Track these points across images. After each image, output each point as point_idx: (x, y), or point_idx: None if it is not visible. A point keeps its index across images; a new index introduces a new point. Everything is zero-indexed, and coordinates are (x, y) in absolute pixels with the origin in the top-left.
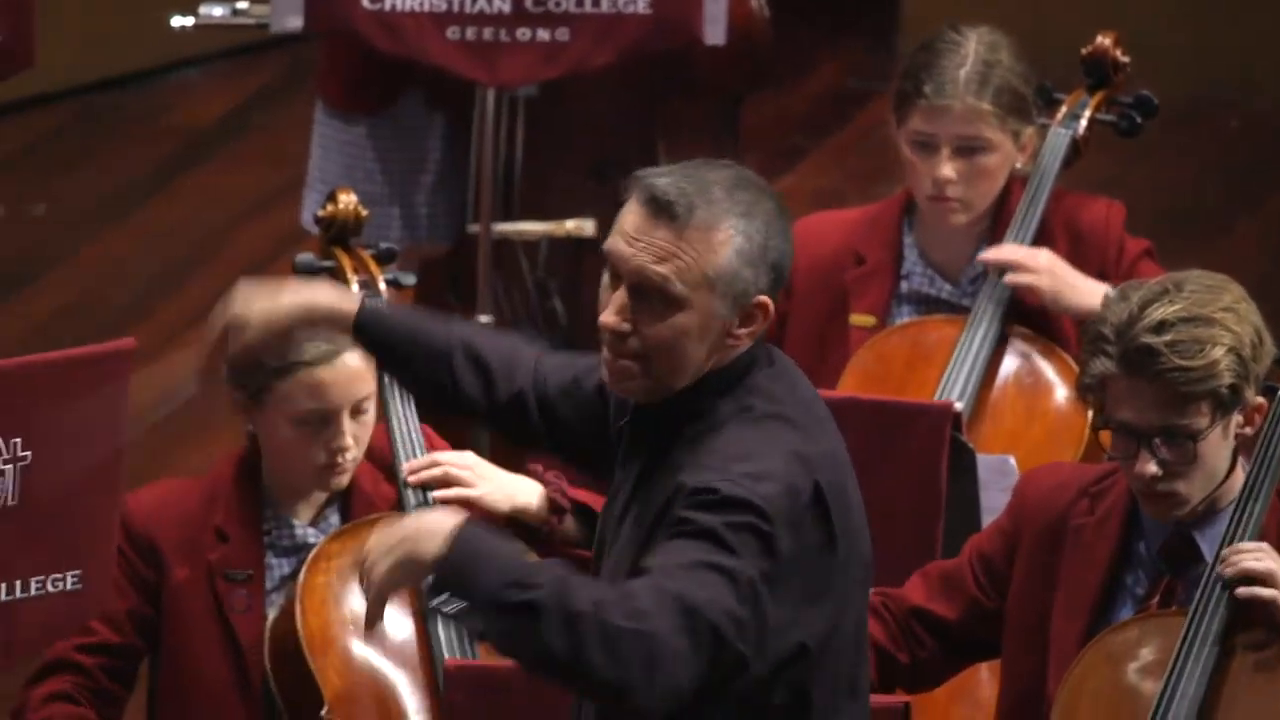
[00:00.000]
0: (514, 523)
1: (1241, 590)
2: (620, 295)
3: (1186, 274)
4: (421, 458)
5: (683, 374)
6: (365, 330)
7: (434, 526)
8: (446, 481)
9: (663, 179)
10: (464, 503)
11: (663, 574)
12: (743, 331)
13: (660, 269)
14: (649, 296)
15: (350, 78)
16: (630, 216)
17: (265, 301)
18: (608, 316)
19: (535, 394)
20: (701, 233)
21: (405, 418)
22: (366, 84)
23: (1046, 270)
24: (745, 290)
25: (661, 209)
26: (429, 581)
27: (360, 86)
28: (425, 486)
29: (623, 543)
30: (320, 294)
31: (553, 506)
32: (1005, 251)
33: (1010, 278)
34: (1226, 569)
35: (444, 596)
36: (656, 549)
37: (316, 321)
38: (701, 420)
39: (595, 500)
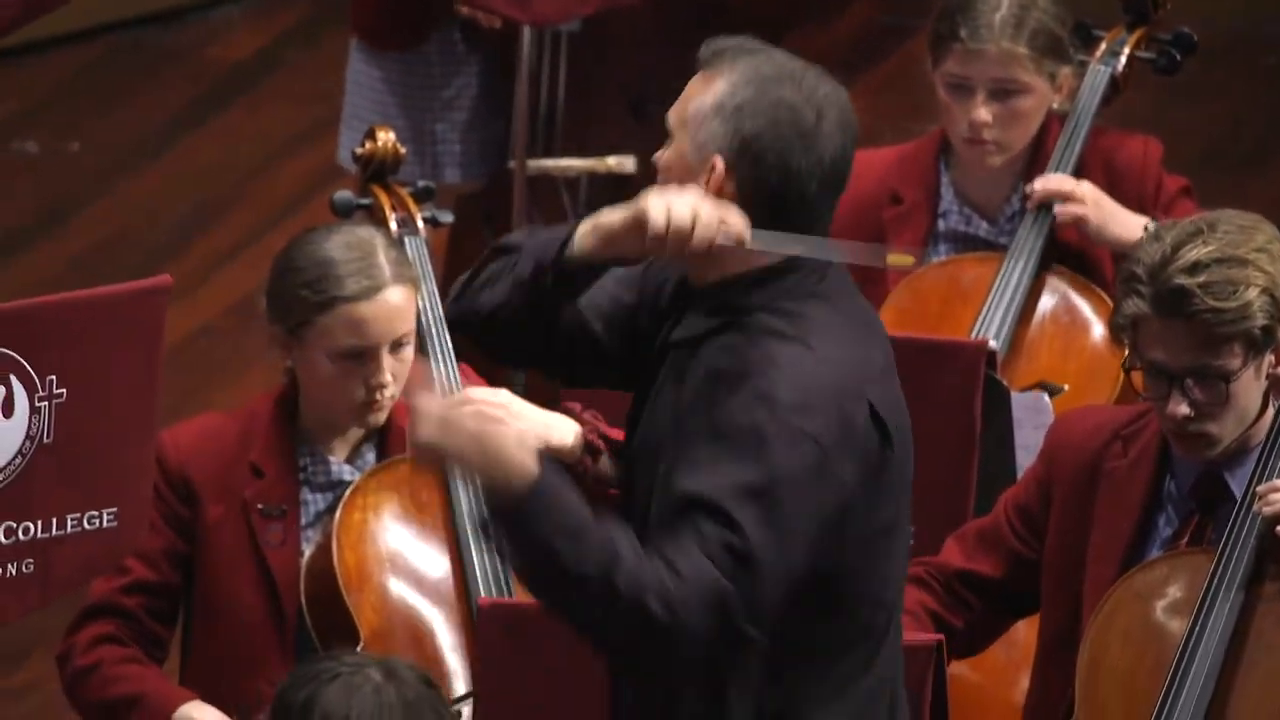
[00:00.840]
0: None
1: None
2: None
3: (1219, 214)
4: (455, 396)
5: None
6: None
7: (525, 449)
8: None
9: (738, 41)
10: None
11: (697, 548)
12: (706, 189)
13: (678, 100)
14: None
15: (384, 14)
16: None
17: None
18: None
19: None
20: (705, 76)
21: (444, 356)
22: (401, 20)
23: (1092, 201)
24: (706, 141)
25: (704, 55)
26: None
27: (394, 23)
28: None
29: (657, 419)
30: None
31: (588, 446)
32: (1053, 182)
33: (1060, 209)
34: (1265, 508)
35: (494, 526)
36: (687, 469)
37: None
38: (736, 316)
39: None
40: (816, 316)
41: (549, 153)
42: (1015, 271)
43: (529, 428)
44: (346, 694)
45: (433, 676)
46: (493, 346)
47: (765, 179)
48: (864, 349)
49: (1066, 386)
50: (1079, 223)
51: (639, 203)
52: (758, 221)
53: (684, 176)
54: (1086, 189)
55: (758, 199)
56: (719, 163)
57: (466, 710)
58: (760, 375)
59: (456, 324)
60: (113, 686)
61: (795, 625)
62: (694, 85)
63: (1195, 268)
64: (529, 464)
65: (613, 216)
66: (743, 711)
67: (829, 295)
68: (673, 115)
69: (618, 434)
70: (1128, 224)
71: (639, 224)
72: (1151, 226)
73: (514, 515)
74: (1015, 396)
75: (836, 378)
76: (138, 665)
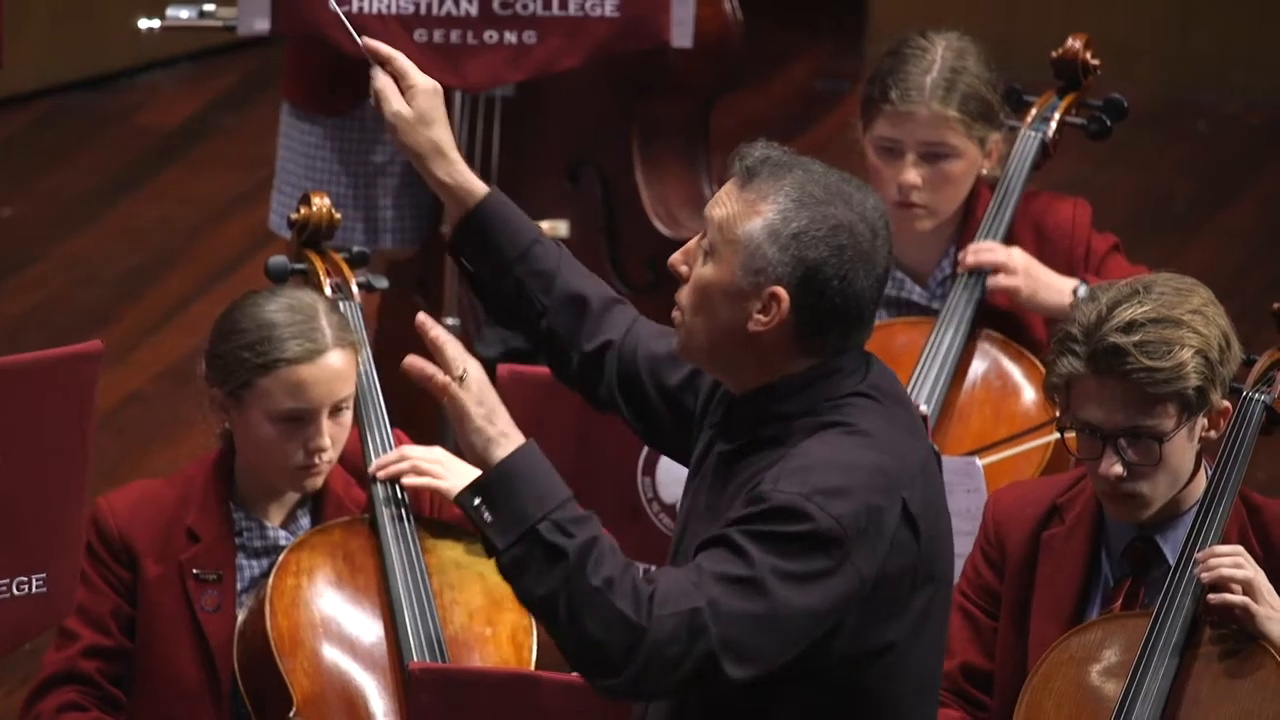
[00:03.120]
0: None
1: (1214, 596)
2: (692, 241)
3: (1155, 276)
4: (390, 453)
5: (710, 335)
6: (484, 213)
7: (510, 432)
8: (416, 474)
9: (769, 151)
10: (432, 495)
11: (695, 574)
12: (762, 319)
13: (712, 213)
14: (702, 243)
15: (316, 80)
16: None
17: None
18: (675, 254)
19: (622, 351)
20: (751, 197)
21: (379, 421)
22: (332, 86)
23: (1023, 270)
24: (763, 269)
25: (738, 168)
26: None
27: (326, 88)
28: (394, 480)
29: (695, 520)
30: (460, 164)
31: None
32: (984, 253)
33: (991, 280)
34: (1203, 573)
35: (479, 500)
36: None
37: (446, 177)
38: (778, 426)
39: None
40: (865, 410)
41: None
42: (946, 336)
43: (464, 483)
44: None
45: None
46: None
47: (830, 303)
48: (905, 445)
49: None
50: (1011, 293)
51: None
52: (819, 338)
53: (732, 299)
54: (1018, 257)
55: (821, 321)
56: (782, 294)
57: None
58: (802, 454)
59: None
60: None
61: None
62: (736, 202)
63: (1131, 327)
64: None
65: None
66: None
67: (872, 392)
68: (716, 229)
69: None
70: (1059, 290)
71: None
72: (1082, 290)
73: (499, 471)
74: (946, 461)
75: (873, 468)
76: (125, 652)
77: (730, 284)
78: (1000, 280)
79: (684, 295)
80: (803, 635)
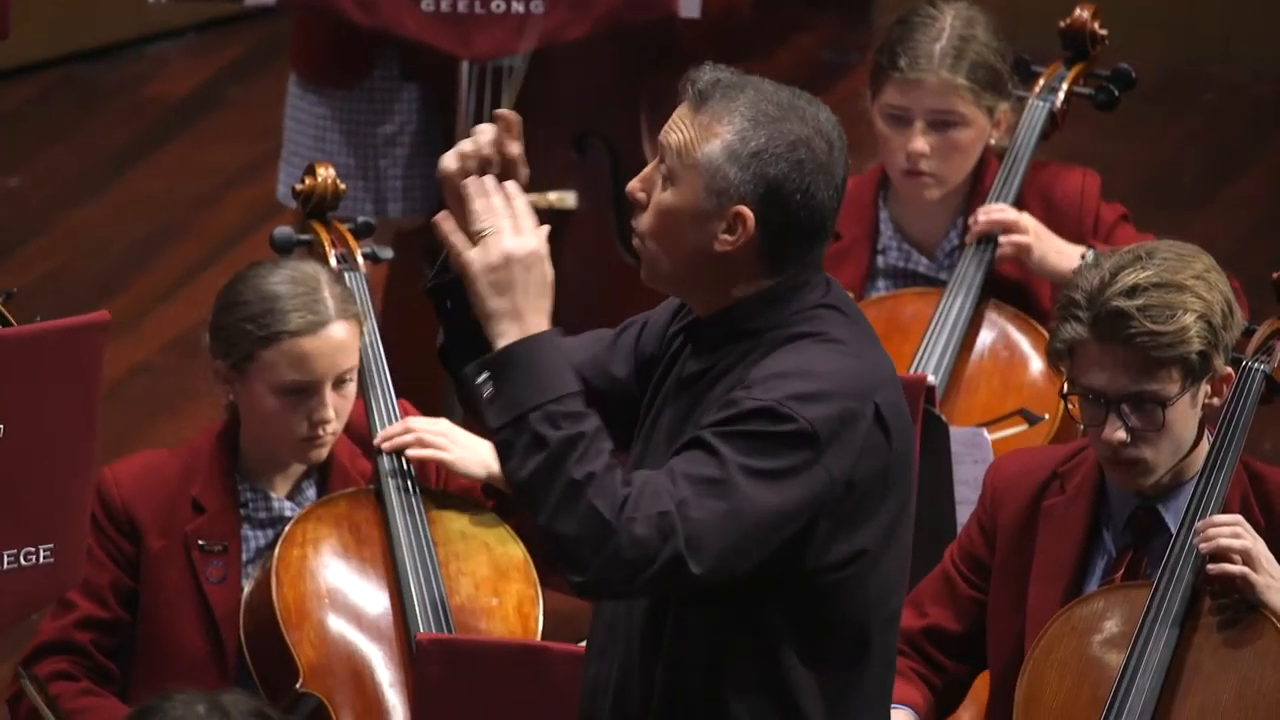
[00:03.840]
0: (488, 488)
1: (1213, 566)
2: (649, 167)
3: (1157, 243)
4: (395, 424)
5: (674, 259)
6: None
7: (528, 315)
8: (421, 446)
9: (718, 73)
10: (438, 466)
11: (669, 476)
12: (728, 238)
13: (668, 139)
14: (660, 169)
15: (323, 51)
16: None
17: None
18: (633, 181)
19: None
20: (706, 119)
21: (384, 391)
22: (340, 57)
23: (1034, 233)
24: (725, 189)
25: (690, 92)
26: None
27: (333, 60)
28: (399, 452)
29: (654, 445)
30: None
31: None
32: (995, 213)
33: (1003, 239)
34: (1202, 543)
35: (484, 376)
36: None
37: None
38: (747, 342)
39: None
40: (832, 320)
41: None
42: (954, 306)
43: (469, 454)
44: None
45: (270, 709)
46: None
47: (794, 217)
48: (876, 353)
49: (1046, 415)
50: (1022, 253)
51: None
52: (784, 253)
53: (696, 221)
54: (1028, 220)
55: (785, 236)
56: (746, 213)
57: None
58: (776, 362)
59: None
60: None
61: (800, 631)
62: (691, 126)
63: (1134, 291)
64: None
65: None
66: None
67: (838, 305)
68: (674, 155)
69: None
70: (1068, 255)
71: (450, 185)
72: (1090, 255)
73: (505, 354)
74: (954, 432)
75: (847, 373)
76: (94, 697)
77: (694, 207)
78: (1013, 238)
79: (644, 222)
80: (771, 533)
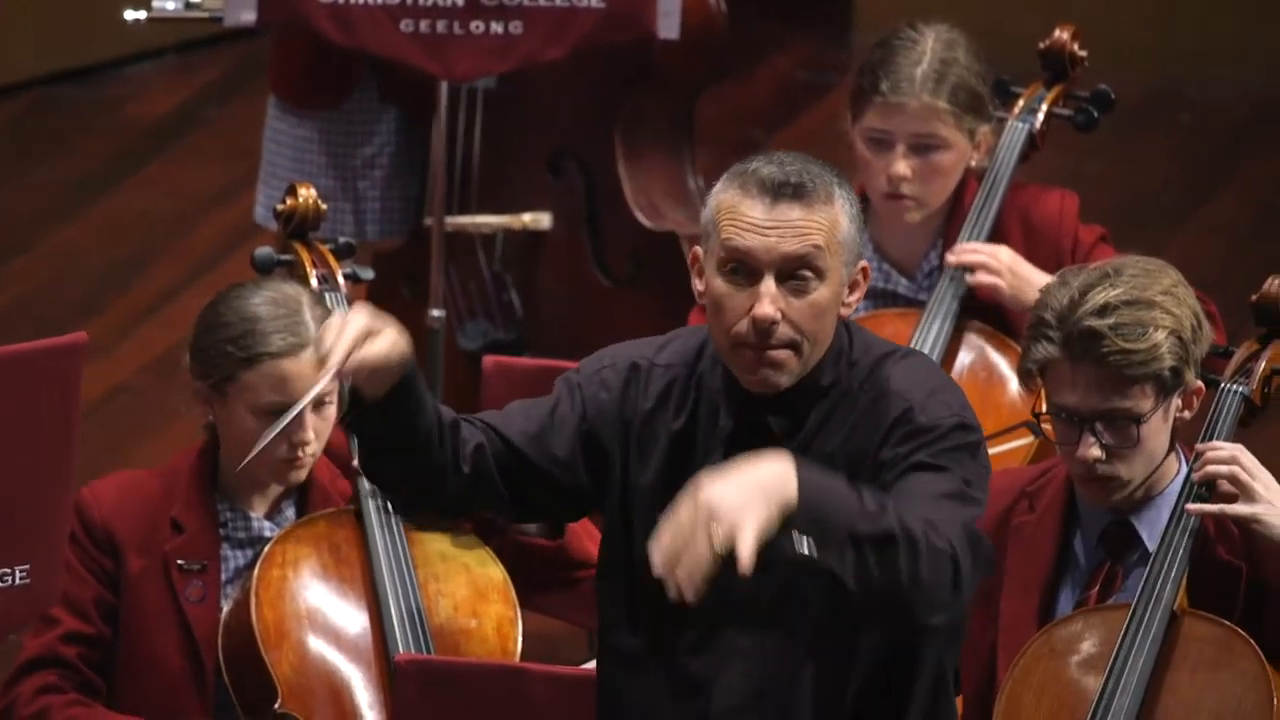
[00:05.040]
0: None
1: (1199, 475)
2: (768, 286)
3: (1124, 259)
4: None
5: (823, 349)
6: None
7: (781, 472)
8: None
9: (764, 169)
10: None
11: (930, 502)
12: (851, 299)
13: (808, 244)
14: (798, 277)
15: (303, 72)
16: (751, 209)
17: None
18: (768, 309)
19: (495, 449)
20: (825, 204)
21: None
22: (319, 79)
23: (1008, 269)
24: (857, 254)
25: (785, 191)
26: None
27: (313, 82)
28: None
29: None
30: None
31: None
32: (967, 254)
33: (973, 278)
34: (1195, 472)
35: (801, 539)
36: (895, 490)
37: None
38: (833, 392)
39: None
40: (874, 336)
41: (464, 209)
42: (933, 328)
43: None
44: None
45: None
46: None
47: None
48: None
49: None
50: (995, 292)
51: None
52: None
53: (838, 299)
54: (1003, 255)
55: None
56: (866, 265)
57: None
58: (909, 379)
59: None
60: None
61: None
62: (818, 218)
63: (1105, 310)
64: (788, 469)
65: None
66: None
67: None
68: (822, 255)
69: None
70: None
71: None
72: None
73: (805, 509)
74: None
75: (950, 379)
76: (84, 708)
77: (838, 287)
78: (982, 279)
79: (800, 327)
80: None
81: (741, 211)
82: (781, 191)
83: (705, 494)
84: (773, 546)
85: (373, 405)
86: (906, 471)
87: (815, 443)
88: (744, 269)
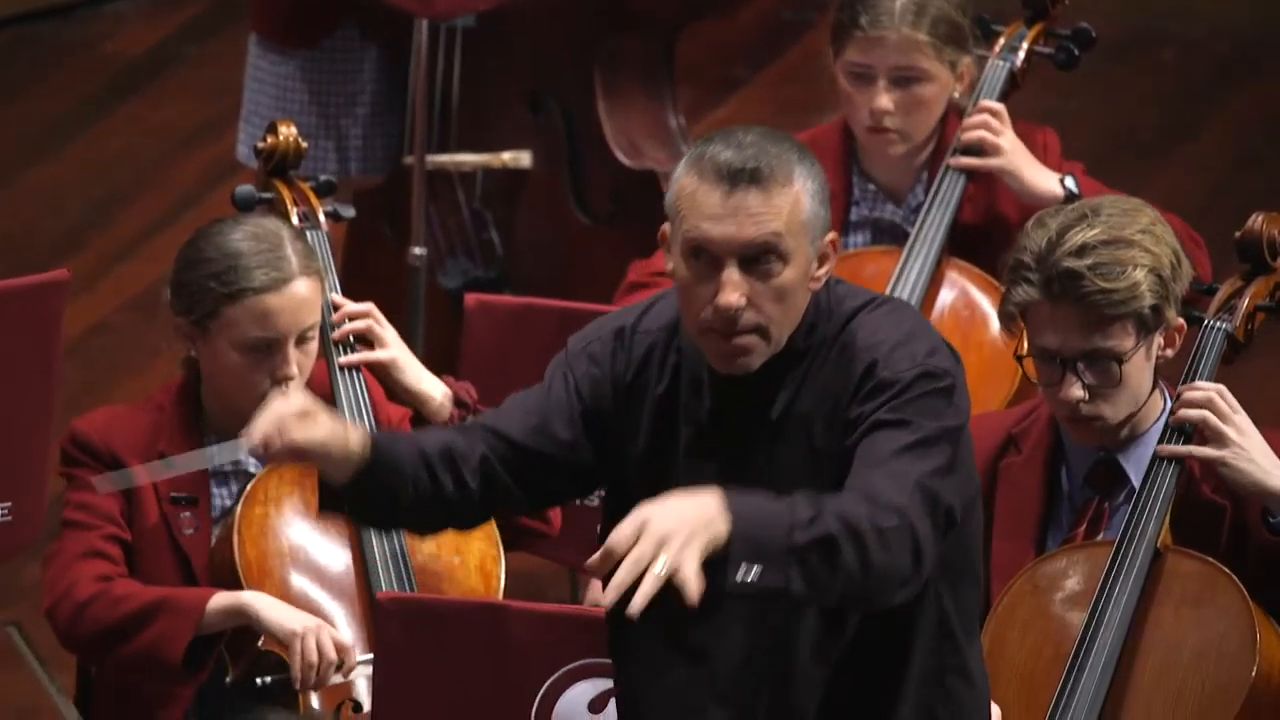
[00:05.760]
0: (415, 420)
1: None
2: (730, 274)
3: (1101, 199)
4: (356, 306)
5: (792, 326)
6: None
7: (708, 511)
8: (369, 331)
9: (721, 154)
10: (379, 366)
11: (885, 465)
12: (820, 273)
13: (767, 231)
14: (762, 262)
15: (285, 11)
16: (708, 197)
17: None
18: (731, 297)
19: (500, 452)
20: (784, 187)
21: (345, 350)
22: (301, 17)
23: (1010, 143)
24: (823, 229)
25: (742, 178)
26: (719, 562)
27: (295, 20)
28: (347, 344)
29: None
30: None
31: (457, 401)
32: (970, 129)
33: (978, 161)
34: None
35: (742, 570)
36: (858, 452)
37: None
38: (806, 359)
39: None
40: (852, 286)
41: (444, 148)
42: (915, 266)
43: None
44: None
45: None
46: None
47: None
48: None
49: None
50: (1001, 174)
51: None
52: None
53: (805, 277)
54: (1008, 138)
55: None
56: (835, 237)
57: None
58: (875, 334)
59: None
60: (125, 603)
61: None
62: (779, 201)
63: (1083, 250)
64: (713, 504)
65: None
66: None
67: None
68: (785, 238)
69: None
70: (1044, 173)
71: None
72: (1069, 182)
73: (738, 540)
74: None
75: (927, 322)
76: (141, 584)
77: (805, 266)
78: (990, 162)
79: (768, 313)
80: (964, 480)
81: (699, 200)
82: (739, 178)
83: (654, 525)
84: (715, 582)
85: (342, 491)
86: (868, 431)
87: (793, 409)
88: (706, 256)
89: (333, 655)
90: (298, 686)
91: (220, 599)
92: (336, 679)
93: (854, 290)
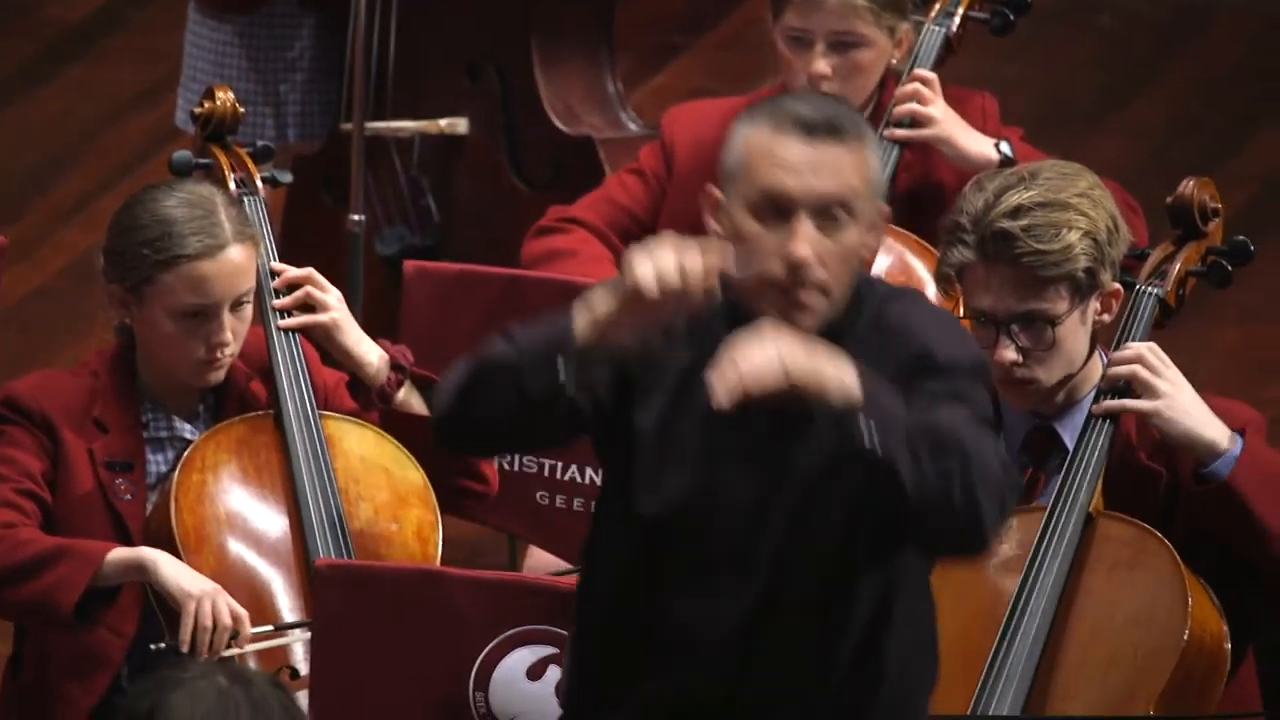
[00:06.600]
0: (352, 384)
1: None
2: (805, 226)
3: (1041, 163)
4: (296, 271)
5: (846, 294)
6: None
7: (844, 360)
8: (309, 296)
9: (799, 106)
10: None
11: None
12: (872, 240)
13: (848, 184)
14: (833, 216)
15: None
16: (787, 149)
17: None
18: (804, 249)
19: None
20: (859, 143)
21: (279, 315)
22: None
23: (942, 116)
24: (882, 194)
25: (821, 129)
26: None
27: None
28: (289, 313)
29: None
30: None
31: (394, 364)
32: (902, 100)
33: (911, 133)
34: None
35: (868, 429)
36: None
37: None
38: (844, 337)
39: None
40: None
41: (380, 115)
42: None
43: (350, 324)
44: (190, 699)
45: (283, 683)
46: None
47: None
48: None
49: None
50: (935, 142)
51: (623, 275)
52: None
53: (862, 240)
54: (939, 106)
55: None
56: (887, 208)
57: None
58: (923, 316)
59: (448, 442)
60: (25, 548)
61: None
62: (851, 156)
63: (1018, 212)
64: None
65: (605, 304)
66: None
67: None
68: (857, 196)
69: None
70: (976, 138)
71: (635, 297)
72: (1004, 146)
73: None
74: None
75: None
76: (46, 533)
77: (865, 229)
78: (924, 133)
79: (831, 269)
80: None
81: (777, 151)
82: (818, 130)
83: (784, 341)
84: (838, 437)
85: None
86: (930, 403)
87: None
88: (777, 209)
89: (227, 621)
90: (185, 650)
91: (120, 552)
92: (231, 651)
93: (877, 279)
